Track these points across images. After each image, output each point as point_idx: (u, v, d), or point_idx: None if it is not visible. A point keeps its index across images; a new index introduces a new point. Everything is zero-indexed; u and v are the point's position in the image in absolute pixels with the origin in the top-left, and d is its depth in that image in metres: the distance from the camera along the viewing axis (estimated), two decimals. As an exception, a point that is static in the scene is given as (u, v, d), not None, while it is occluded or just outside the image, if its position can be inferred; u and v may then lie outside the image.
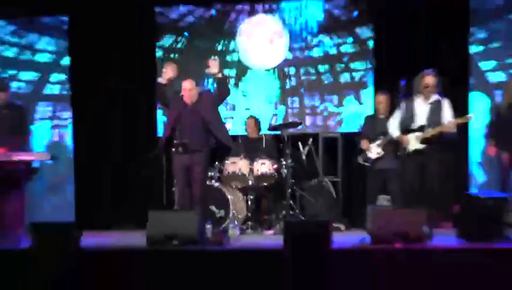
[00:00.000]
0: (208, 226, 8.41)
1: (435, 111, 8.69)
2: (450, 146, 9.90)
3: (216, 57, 8.92)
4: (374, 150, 9.24)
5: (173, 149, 8.97)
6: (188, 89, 8.52)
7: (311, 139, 10.35)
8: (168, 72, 8.85)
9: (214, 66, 8.56)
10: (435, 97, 8.59)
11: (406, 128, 8.75)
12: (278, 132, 10.62)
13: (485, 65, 11.45)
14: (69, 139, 12.32)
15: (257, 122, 10.30)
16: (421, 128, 8.56)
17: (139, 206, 10.41)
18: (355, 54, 11.28)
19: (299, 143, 10.29)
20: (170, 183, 9.68)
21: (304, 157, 10.17)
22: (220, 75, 8.64)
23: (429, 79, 8.67)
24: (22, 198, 9.65)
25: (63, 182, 12.05)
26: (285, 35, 11.40)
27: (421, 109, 8.71)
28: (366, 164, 9.35)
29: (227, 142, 8.86)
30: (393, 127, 8.67)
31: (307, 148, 10.27)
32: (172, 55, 12.06)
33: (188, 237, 7.94)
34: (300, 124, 10.62)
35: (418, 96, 8.60)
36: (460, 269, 7.42)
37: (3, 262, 8.34)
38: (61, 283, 8.16)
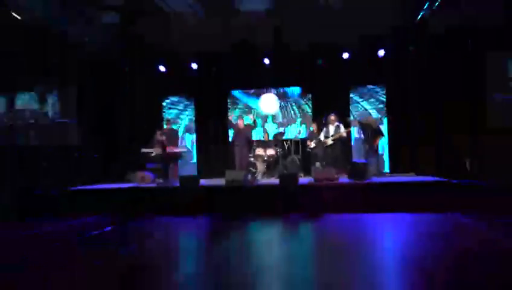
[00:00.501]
0: (249, 176, 8.28)
1: (336, 129, 9.10)
2: (343, 142, 9.59)
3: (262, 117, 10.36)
4: (312, 144, 9.74)
5: (234, 145, 9.36)
6: (239, 124, 9.46)
7: (289, 140, 10.69)
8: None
9: (260, 118, 10.24)
10: (336, 123, 9.17)
11: (326, 136, 9.16)
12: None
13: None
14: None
15: (267, 133, 10.59)
16: (332, 136, 9.05)
17: (223, 168, 9.39)
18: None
19: (284, 142, 10.59)
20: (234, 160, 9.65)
21: (286, 148, 10.44)
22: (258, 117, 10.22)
23: (332, 117, 9.23)
24: (176, 165, 9.41)
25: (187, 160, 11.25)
26: (278, 101, 11.51)
27: (331, 129, 9.09)
28: (309, 150, 9.85)
29: (251, 143, 9.46)
30: (322, 136, 9.26)
31: (287, 144, 10.52)
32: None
33: (240, 181, 7.65)
34: (284, 134, 10.81)
35: (329, 123, 9.12)
36: (349, 193, 7.12)
37: (168, 192, 7.66)
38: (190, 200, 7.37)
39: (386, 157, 10.48)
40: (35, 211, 7.68)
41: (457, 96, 9.86)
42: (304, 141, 10.66)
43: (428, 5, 8.37)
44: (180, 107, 12.03)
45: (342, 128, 9.17)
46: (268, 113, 11.68)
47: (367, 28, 9.91)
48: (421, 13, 8.79)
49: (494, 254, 4.25)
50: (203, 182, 8.40)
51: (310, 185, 7.38)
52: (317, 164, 9.57)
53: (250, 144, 9.49)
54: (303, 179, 8.54)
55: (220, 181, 8.46)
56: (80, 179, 9.57)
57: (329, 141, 9.10)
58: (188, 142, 11.87)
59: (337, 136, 9.05)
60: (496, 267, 3.80)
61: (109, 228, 6.14)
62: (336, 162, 9.04)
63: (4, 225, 7.04)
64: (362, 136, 10.26)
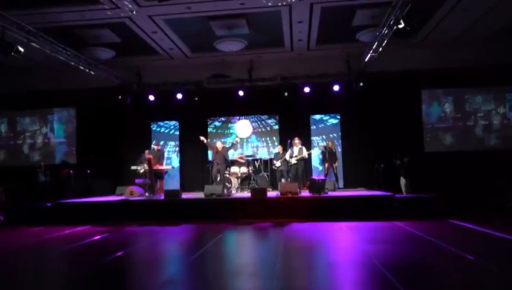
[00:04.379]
0: (225, 190, 8.38)
1: (300, 151, 9.06)
2: (305, 162, 9.66)
3: (236, 140, 9.80)
4: (278, 163, 9.75)
5: (213, 164, 8.99)
6: (218, 145, 9.02)
7: (260, 159, 10.61)
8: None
9: (236, 142, 9.63)
10: (300, 146, 9.12)
11: (291, 156, 9.10)
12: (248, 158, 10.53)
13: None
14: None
15: (244, 155, 10.54)
16: (296, 156, 9.00)
17: (202, 183, 9.70)
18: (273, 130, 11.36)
19: (255, 161, 10.54)
20: (212, 176, 9.33)
21: (257, 166, 10.47)
22: (234, 143, 9.55)
23: (296, 140, 9.21)
24: (162, 181, 9.16)
25: (174, 175, 11.20)
26: (251, 126, 11.40)
27: (295, 150, 9.07)
28: (275, 168, 9.84)
29: (229, 162, 9.15)
30: (287, 156, 9.19)
31: (258, 163, 10.51)
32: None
33: (218, 193, 7.79)
34: (255, 155, 10.79)
35: (294, 145, 9.10)
36: (311, 205, 7.15)
37: (154, 205, 7.67)
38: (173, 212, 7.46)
39: (340, 175, 10.65)
40: (34, 220, 7.50)
41: (399, 125, 10.29)
42: (271, 161, 10.75)
43: (371, 54, 8.79)
44: (167, 130, 11.93)
45: (305, 151, 9.29)
46: (243, 137, 11.74)
47: (325, 68, 10.34)
48: (366, 59, 9.19)
49: (425, 253, 4.50)
50: (185, 195, 8.45)
51: (276, 198, 7.47)
52: (283, 180, 9.67)
53: (227, 163, 9.57)
54: (271, 193, 8.65)
55: (199, 194, 8.58)
56: (75, 193, 9.35)
57: (293, 161, 9.19)
58: (173, 161, 11.75)
59: (300, 156, 9.16)
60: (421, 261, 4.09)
61: (101, 237, 6.01)
62: (298, 179, 9.14)
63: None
64: (321, 157, 10.68)
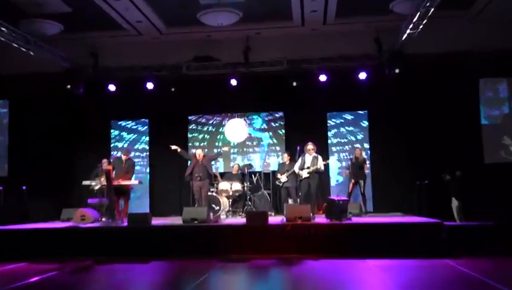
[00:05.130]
0: (211, 214, 8.32)
1: (314, 161, 8.96)
2: (320, 175, 9.45)
3: (226, 146, 10.05)
4: (283, 178, 9.80)
5: (193, 179, 9.07)
6: (199, 154, 9.20)
7: (258, 173, 10.81)
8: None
9: (225, 148, 9.82)
10: (314, 154, 9.01)
11: (301, 168, 8.96)
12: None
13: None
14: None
15: (238, 166, 10.73)
16: (308, 168, 8.87)
17: (180, 205, 9.99)
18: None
19: (252, 175, 10.67)
20: (193, 194, 9.48)
21: (254, 181, 10.60)
22: (222, 151, 9.88)
23: (310, 146, 9.06)
24: (127, 201, 9.09)
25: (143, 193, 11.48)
26: (247, 128, 11.64)
27: (308, 159, 8.97)
28: (280, 184, 9.90)
29: (212, 175, 9.40)
30: (296, 167, 9.07)
31: (256, 177, 10.67)
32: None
33: (202, 219, 7.71)
34: (252, 166, 10.82)
35: (306, 153, 8.97)
36: (327, 234, 7.13)
37: (113, 234, 7.62)
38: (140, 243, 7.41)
39: (368, 195, 10.60)
40: None
41: (448, 127, 10.30)
42: (274, 174, 10.72)
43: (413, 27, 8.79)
44: (133, 133, 11.98)
45: (320, 160, 9.12)
46: (236, 141, 11.78)
47: (347, 49, 10.36)
48: (403, 37, 9.16)
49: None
50: (156, 221, 8.36)
51: (281, 225, 7.42)
52: (290, 200, 9.66)
53: (212, 177, 9.59)
54: (274, 218, 8.66)
55: (176, 220, 8.56)
56: (5, 217, 9.13)
57: (305, 174, 9.00)
58: (143, 175, 11.80)
59: (313, 168, 8.99)
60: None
61: (40, 278, 5.88)
62: (311, 198, 8.96)
63: None
64: (347, 172, 10.60)
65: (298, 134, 10.84)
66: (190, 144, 11.87)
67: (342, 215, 7.74)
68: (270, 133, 11.71)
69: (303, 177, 9.08)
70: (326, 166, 9.88)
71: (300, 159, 9.22)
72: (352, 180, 10.02)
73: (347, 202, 8.27)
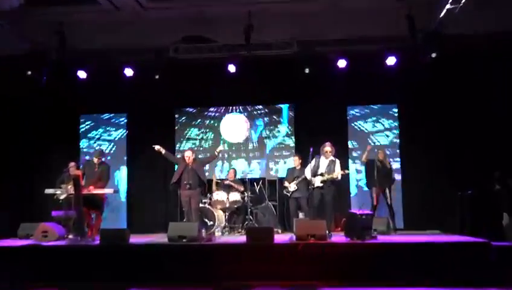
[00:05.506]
0: (203, 230, 8.31)
1: (330, 166, 9.03)
2: (338, 185, 9.50)
3: (221, 147, 9.78)
4: (292, 186, 9.76)
5: (181, 187, 9.01)
6: (188, 156, 9.08)
7: (261, 181, 10.83)
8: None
9: (220, 148, 9.52)
10: (331, 157, 9.09)
11: (314, 173, 8.97)
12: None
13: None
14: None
15: (235, 172, 10.84)
16: (322, 175, 8.96)
17: (165, 219, 9.98)
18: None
19: (255, 183, 10.74)
20: (181, 206, 9.45)
21: (257, 190, 10.64)
22: (217, 154, 9.45)
23: (328, 147, 9.10)
24: (99, 214, 9.03)
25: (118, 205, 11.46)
26: (248, 125, 11.72)
27: (323, 164, 9.04)
28: (288, 194, 9.84)
29: (205, 182, 9.13)
30: (308, 172, 9.05)
31: (259, 185, 10.67)
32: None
33: (191, 237, 7.67)
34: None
35: (322, 156, 9.06)
36: (347, 256, 7.04)
37: (82, 254, 7.52)
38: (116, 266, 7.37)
39: (397, 207, 10.58)
40: None
41: (498, 125, 10.23)
42: (281, 182, 10.65)
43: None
44: (108, 131, 12.05)
45: (338, 166, 9.15)
46: (234, 142, 11.84)
47: (372, 28, 10.27)
48: (442, 13, 9.09)
49: None
50: (135, 238, 8.32)
51: (290, 245, 7.44)
52: (301, 214, 9.72)
53: (204, 185, 9.44)
54: (281, 236, 8.73)
55: (160, 238, 8.62)
56: None
57: (318, 182, 9.03)
58: (118, 181, 11.82)
59: (329, 177, 9.03)
60: None
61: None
62: (327, 212, 9.07)
63: None
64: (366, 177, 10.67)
65: (311, 133, 10.86)
66: (178, 146, 11.84)
67: (365, 233, 7.64)
68: (276, 132, 11.67)
69: (315, 185, 9.08)
70: (345, 176, 9.66)
71: (313, 161, 9.17)
72: (375, 189, 9.96)
73: (371, 216, 8.13)
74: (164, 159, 9.68)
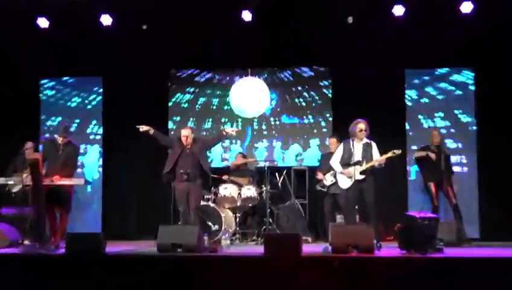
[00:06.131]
0: (205, 237, 8.45)
1: (367, 150, 9.02)
2: (392, 177, 10.27)
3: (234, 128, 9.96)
4: (329, 179, 9.82)
5: (176, 178, 9.02)
6: (186, 136, 9.02)
7: (285, 171, 10.86)
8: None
9: (229, 129, 9.46)
10: (365, 140, 9.03)
11: (346, 163, 8.96)
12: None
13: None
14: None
15: (243, 156, 11.00)
16: (358, 163, 8.87)
17: (154, 221, 9.72)
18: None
19: (276, 174, 10.79)
20: (176, 204, 9.46)
21: (279, 184, 10.72)
22: (226, 134, 9.40)
23: (362, 125, 8.99)
24: (66, 213, 9.00)
25: (90, 201, 11.70)
26: (267, 93, 11.79)
27: (357, 149, 9.02)
28: (323, 189, 9.95)
29: (209, 172, 9.12)
30: (335, 162, 9.10)
31: (282, 178, 10.73)
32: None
33: (189, 246, 7.73)
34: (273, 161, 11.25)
35: (353, 139, 8.99)
36: (402, 276, 6.91)
37: (42, 266, 7.48)
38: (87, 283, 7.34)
39: (470, 209, 10.73)
40: None
41: None
42: (314, 172, 10.75)
43: None
44: (77, 101, 12.22)
45: (376, 149, 9.10)
46: (250, 116, 12.00)
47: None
48: None
49: None
50: (113, 247, 8.37)
51: (324, 259, 7.45)
52: (339, 217, 9.89)
53: (208, 177, 9.43)
54: (311, 247, 8.87)
55: (147, 246, 8.88)
56: None
57: (357, 174, 8.92)
58: (93, 169, 12.02)
59: (368, 165, 8.94)
60: None
61: None
62: (369, 215, 9.04)
63: None
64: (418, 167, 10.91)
65: (353, 106, 10.84)
66: (172, 124, 11.99)
67: (427, 244, 7.61)
68: (306, 105, 11.78)
69: (356, 178, 8.96)
70: (398, 157, 9.27)
71: (341, 147, 9.21)
72: (432, 185, 10.16)
73: (436, 221, 8.05)
74: (153, 141, 9.61)
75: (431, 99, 11.55)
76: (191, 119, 12.01)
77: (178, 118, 12.07)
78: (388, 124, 10.70)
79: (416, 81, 11.56)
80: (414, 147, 11.19)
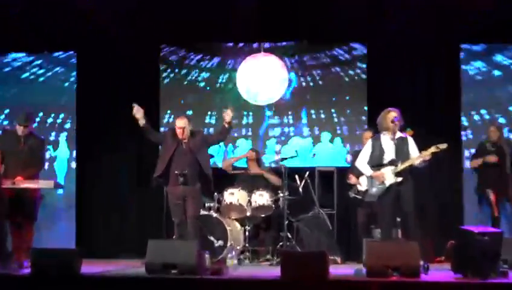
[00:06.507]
0: (206, 256, 8.22)
1: (401, 146, 8.80)
2: (443, 181, 10.29)
3: (230, 109, 9.24)
4: (364, 183, 9.60)
5: (169, 181, 8.88)
6: (182, 127, 8.85)
7: (307, 173, 10.60)
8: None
9: (228, 116, 9.02)
10: (398, 134, 8.84)
11: (377, 163, 8.77)
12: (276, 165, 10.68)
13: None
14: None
15: (258, 155, 10.75)
16: (392, 163, 8.63)
17: (141, 236, 10.08)
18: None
19: (296, 176, 10.52)
20: (169, 214, 9.29)
21: (300, 189, 10.42)
22: (228, 125, 9.10)
23: (394, 114, 8.73)
24: (30, 223, 8.93)
25: (62, 208, 11.55)
26: (285, 73, 11.66)
27: (388, 145, 8.81)
28: (358, 196, 9.80)
29: (209, 173, 9.02)
30: (362, 163, 8.96)
31: (303, 181, 10.46)
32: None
33: (186, 266, 7.55)
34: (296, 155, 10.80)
35: (384, 133, 8.82)
36: None
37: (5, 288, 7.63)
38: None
39: None
40: None
41: None
42: (345, 174, 10.64)
43: None
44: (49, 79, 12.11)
45: (414, 145, 8.98)
46: (262, 103, 11.88)
47: None
48: None
49: None
50: (89, 267, 8.28)
51: (357, 284, 7.45)
52: (377, 231, 9.75)
53: (209, 180, 9.33)
54: (341, 269, 8.84)
55: (133, 266, 8.91)
56: None
57: (391, 177, 8.73)
58: (63, 167, 11.86)
59: (405, 165, 8.81)
60: None
61: None
62: (408, 228, 8.93)
63: None
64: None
65: (393, 91, 10.82)
66: (164, 115, 11.86)
67: (489, 266, 7.41)
68: (331, 89, 11.65)
69: (388, 184, 8.85)
70: (447, 157, 9.55)
71: (370, 144, 9.14)
72: (491, 192, 10.03)
73: (499, 237, 7.85)
74: (142, 135, 9.48)
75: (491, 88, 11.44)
76: (188, 110, 11.65)
77: (170, 108, 11.89)
78: (437, 118, 10.57)
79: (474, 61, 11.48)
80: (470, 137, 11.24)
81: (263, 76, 11.78)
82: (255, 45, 11.99)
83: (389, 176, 8.78)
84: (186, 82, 12.19)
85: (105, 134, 11.64)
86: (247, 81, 11.85)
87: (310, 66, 11.95)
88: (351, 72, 11.77)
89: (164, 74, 12.09)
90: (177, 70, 12.24)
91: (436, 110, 10.86)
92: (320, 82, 11.85)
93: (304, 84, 11.92)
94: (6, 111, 11.80)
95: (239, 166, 11.02)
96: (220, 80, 12.03)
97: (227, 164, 10.92)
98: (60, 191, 11.27)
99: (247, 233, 10.07)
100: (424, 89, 10.99)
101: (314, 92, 11.85)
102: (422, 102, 10.49)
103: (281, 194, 10.11)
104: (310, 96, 11.89)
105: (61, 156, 12.04)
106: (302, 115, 11.89)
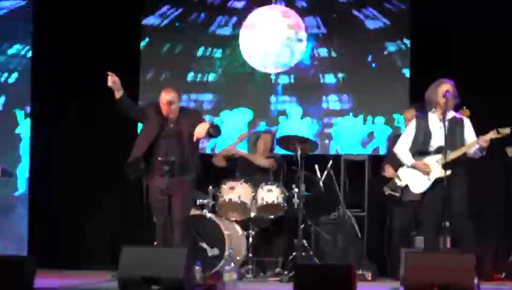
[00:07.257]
0: (197, 268, 8.48)
1: (453, 129, 8.74)
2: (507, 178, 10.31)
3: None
4: (404, 177, 9.43)
5: (151, 170, 8.84)
6: (169, 102, 8.78)
7: (330, 162, 10.69)
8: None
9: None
10: (452, 113, 8.81)
11: (421, 151, 8.78)
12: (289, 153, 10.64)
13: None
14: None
15: (272, 140, 10.67)
16: (441, 150, 8.58)
17: (113, 241, 10.50)
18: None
19: (316, 167, 10.55)
20: (150, 214, 9.24)
21: (321, 184, 10.43)
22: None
23: (448, 86, 8.63)
24: None
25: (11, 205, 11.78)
26: (303, 33, 11.73)
27: (436, 128, 8.76)
28: (396, 194, 9.79)
29: (196, 164, 9.02)
30: (402, 149, 8.92)
31: (325, 173, 10.53)
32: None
33: (171, 281, 7.40)
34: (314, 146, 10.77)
35: (433, 112, 8.82)
36: None
37: None
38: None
39: None
40: None
41: None
42: (379, 166, 10.94)
43: None
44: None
45: (469, 129, 9.13)
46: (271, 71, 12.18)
47: None
48: None
49: None
50: (45, 281, 8.50)
51: None
52: (419, 239, 9.74)
53: (197, 169, 9.39)
54: (373, 286, 9.34)
55: (102, 280, 9.31)
56: None
57: (437, 169, 8.83)
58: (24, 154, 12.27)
59: (458, 153, 8.89)
60: None
61: None
62: (462, 236, 9.04)
63: None
64: None
65: (441, 59, 11.12)
66: (144, 86, 12.16)
67: None
68: (367, 58, 12.02)
69: (434, 178, 9.04)
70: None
71: (413, 125, 9.29)
72: None
73: None
74: (118, 109, 9.49)
75: None
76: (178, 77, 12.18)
77: (155, 73, 12.21)
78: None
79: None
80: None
81: (272, 36, 11.93)
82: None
83: (435, 167, 8.92)
84: (176, 46, 12.28)
85: (66, 114, 11.85)
86: (253, 43, 11.97)
87: (337, 23, 11.97)
88: (383, 40, 11.92)
89: (146, 34, 12.24)
90: (162, 35, 12.33)
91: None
92: (351, 45, 11.91)
93: (328, 48, 12.01)
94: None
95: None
96: (218, 42, 12.17)
97: (219, 156, 10.81)
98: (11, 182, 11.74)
99: (250, 239, 10.10)
100: (484, 59, 11.03)
101: (342, 58, 11.95)
102: (485, 76, 10.61)
103: (296, 190, 10.15)
104: (335, 65, 11.98)
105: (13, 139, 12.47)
106: (320, 86, 12.06)
